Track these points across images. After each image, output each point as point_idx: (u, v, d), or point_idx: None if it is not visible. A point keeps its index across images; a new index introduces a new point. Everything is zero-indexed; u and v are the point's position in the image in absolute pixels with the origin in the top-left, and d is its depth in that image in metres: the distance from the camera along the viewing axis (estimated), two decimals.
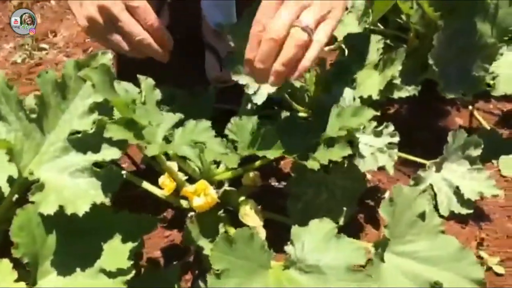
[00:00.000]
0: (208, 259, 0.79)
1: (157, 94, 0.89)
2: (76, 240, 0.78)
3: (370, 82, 1.21)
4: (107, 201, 0.75)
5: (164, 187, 1.07)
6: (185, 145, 0.83)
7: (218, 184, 1.13)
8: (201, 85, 1.47)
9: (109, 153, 0.77)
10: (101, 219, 0.83)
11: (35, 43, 1.81)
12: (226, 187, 1.11)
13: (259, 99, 1.09)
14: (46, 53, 1.78)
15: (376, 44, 1.27)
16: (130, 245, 0.82)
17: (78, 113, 0.77)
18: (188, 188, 0.95)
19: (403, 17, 1.45)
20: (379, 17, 1.37)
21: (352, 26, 1.42)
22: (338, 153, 0.97)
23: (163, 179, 1.06)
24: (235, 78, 1.08)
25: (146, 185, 1.10)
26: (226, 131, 1.04)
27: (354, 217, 1.15)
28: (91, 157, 0.76)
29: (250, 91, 1.10)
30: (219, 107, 1.36)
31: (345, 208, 1.11)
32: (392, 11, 1.42)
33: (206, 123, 0.88)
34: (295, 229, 0.87)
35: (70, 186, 0.73)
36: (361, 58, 1.25)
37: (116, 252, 0.79)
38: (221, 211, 1.03)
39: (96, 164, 0.77)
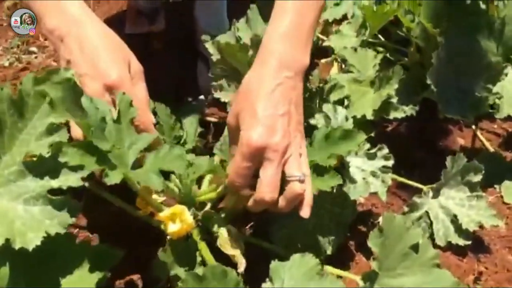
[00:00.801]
0: None
1: (133, 111, 0.82)
2: (32, 273, 0.72)
3: (364, 101, 1.14)
4: (62, 232, 0.68)
5: (141, 208, 1.01)
6: (153, 173, 0.76)
7: (200, 206, 1.06)
8: (193, 95, 1.42)
9: (68, 180, 0.70)
10: (60, 250, 0.77)
11: (25, 46, 1.76)
12: (207, 209, 1.04)
13: None
14: (35, 56, 1.73)
15: (372, 60, 1.20)
16: (91, 280, 0.75)
17: (36, 134, 0.70)
18: (163, 213, 0.88)
19: (404, 30, 1.38)
20: (378, 29, 1.30)
21: (350, 38, 1.36)
22: (327, 182, 0.89)
23: (138, 201, 1.00)
24: (216, 95, 1.01)
25: (123, 204, 1.04)
26: (215, 150, 0.97)
27: (344, 244, 1.07)
28: (47, 183, 0.69)
29: None
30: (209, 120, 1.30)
31: (333, 236, 1.03)
32: (393, 23, 1.36)
33: (180, 150, 0.81)
34: (274, 265, 0.80)
35: (22, 215, 0.66)
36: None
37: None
38: (199, 237, 0.96)
39: (55, 191, 0.70)
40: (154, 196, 0.96)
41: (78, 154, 0.68)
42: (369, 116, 1.10)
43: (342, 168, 1.04)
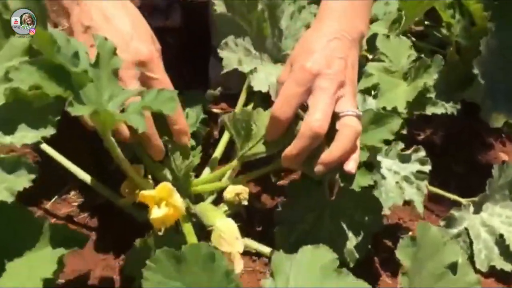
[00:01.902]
0: None
1: (116, 62, 0.67)
2: None
3: (396, 92, 0.98)
4: (10, 200, 0.53)
5: (124, 196, 0.85)
6: (136, 113, 0.60)
7: (196, 199, 0.90)
8: (202, 89, 1.31)
9: (25, 137, 0.56)
10: (15, 223, 0.61)
11: None
12: (207, 203, 0.88)
13: (260, 86, 0.87)
14: None
15: (407, 50, 1.05)
16: (46, 262, 0.59)
17: None
18: (146, 192, 0.71)
19: (443, 30, 1.23)
20: (412, 24, 1.15)
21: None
22: (357, 180, 0.77)
23: (123, 186, 0.84)
24: (221, 54, 0.88)
25: (108, 193, 0.88)
26: (226, 120, 0.82)
27: (366, 259, 0.89)
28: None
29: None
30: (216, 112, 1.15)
31: (354, 246, 0.85)
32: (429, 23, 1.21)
33: (172, 93, 0.66)
34: (277, 258, 0.62)
35: None
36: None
37: (20, 274, 0.57)
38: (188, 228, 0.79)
39: None
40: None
41: (37, 73, 0.53)
42: (402, 108, 0.94)
43: (370, 168, 0.87)
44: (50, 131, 0.62)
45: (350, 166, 0.73)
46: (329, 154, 0.73)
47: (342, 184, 0.76)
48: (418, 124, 1.16)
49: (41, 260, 0.62)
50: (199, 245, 0.56)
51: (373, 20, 1.20)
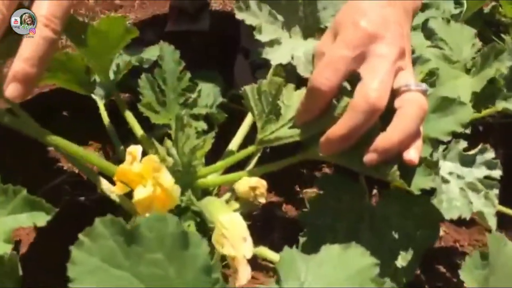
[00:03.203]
0: None
1: None
2: None
3: (458, 82, 0.80)
4: None
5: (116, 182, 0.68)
6: None
7: (203, 193, 0.72)
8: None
9: None
10: None
11: None
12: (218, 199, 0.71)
13: (280, 58, 0.70)
14: None
15: (470, 39, 0.87)
16: None
17: None
18: (126, 166, 0.55)
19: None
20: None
21: None
22: (415, 182, 0.59)
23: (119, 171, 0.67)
24: (239, 15, 0.71)
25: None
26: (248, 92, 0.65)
27: (412, 282, 0.68)
28: None
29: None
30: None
31: (401, 264, 0.65)
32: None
33: None
34: (287, 255, 0.43)
35: None
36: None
37: None
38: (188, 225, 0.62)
39: None
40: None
41: None
42: (466, 100, 0.74)
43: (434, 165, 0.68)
44: None
45: (412, 154, 0.56)
46: (386, 138, 0.56)
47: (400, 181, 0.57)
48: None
49: None
50: (164, 217, 0.37)
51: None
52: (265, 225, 0.79)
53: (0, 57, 0.62)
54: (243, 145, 0.79)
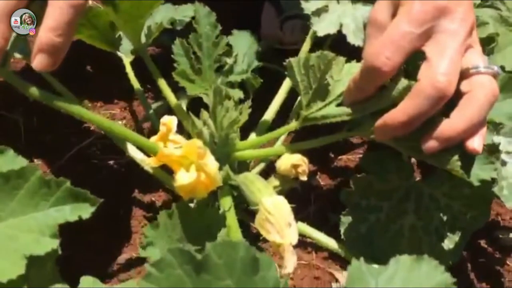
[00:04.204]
0: None
1: None
2: None
3: None
4: None
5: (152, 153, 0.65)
6: None
7: (240, 169, 0.70)
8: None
9: None
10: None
11: None
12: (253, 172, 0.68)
13: (327, 28, 0.64)
14: None
15: None
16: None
17: None
18: (167, 150, 0.52)
19: None
20: None
21: None
22: (475, 172, 0.56)
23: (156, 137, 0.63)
24: (304, 4, 0.65)
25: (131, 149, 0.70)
26: (293, 65, 0.60)
27: (460, 264, 0.67)
28: None
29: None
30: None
31: (447, 249, 0.63)
32: None
33: None
34: (355, 269, 0.41)
35: None
36: None
37: None
38: (229, 207, 0.60)
39: None
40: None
41: None
42: None
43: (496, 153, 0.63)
44: None
45: (476, 143, 0.52)
46: (451, 126, 0.51)
47: (459, 171, 0.53)
48: None
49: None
50: (234, 243, 0.35)
51: None
52: (300, 197, 0.76)
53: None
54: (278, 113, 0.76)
